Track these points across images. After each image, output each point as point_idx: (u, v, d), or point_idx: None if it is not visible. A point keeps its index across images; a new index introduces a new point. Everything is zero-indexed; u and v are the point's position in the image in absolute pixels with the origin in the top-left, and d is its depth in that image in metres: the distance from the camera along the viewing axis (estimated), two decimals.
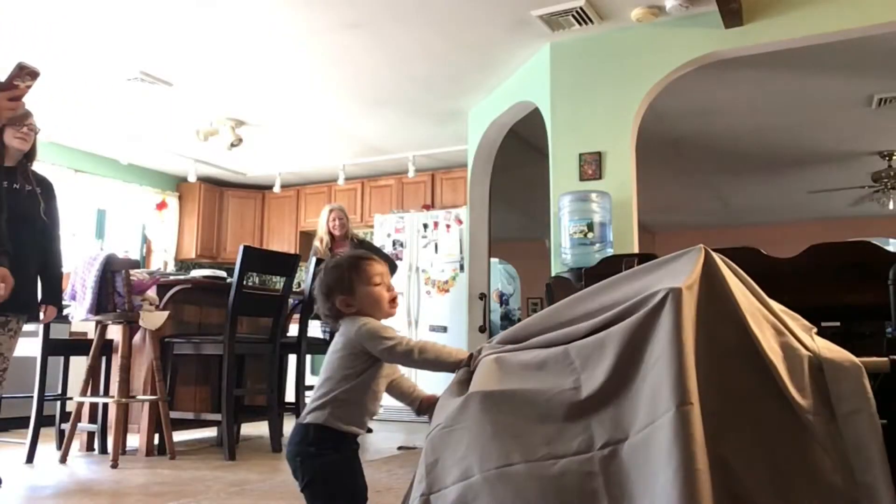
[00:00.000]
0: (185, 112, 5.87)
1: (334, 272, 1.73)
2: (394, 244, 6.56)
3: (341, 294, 1.69)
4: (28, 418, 3.88)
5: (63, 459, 3.77)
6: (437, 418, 1.45)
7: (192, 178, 7.33)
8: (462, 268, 6.15)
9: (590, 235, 3.92)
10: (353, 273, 1.70)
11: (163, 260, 7.53)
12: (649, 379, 1.19)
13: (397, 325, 6.36)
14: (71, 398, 4.05)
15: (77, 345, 4.29)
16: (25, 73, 2.31)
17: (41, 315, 3.36)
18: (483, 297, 5.70)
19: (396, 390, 1.74)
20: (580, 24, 4.26)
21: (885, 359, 1.41)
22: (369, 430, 5.26)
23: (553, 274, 4.12)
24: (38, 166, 3.41)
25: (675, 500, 1.07)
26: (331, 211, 5.41)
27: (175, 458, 3.81)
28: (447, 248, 6.32)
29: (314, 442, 1.59)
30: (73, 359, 4.28)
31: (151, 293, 4.02)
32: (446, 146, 6.66)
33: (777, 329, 1.30)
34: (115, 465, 3.55)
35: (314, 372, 6.09)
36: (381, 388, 1.67)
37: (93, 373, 3.97)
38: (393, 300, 1.73)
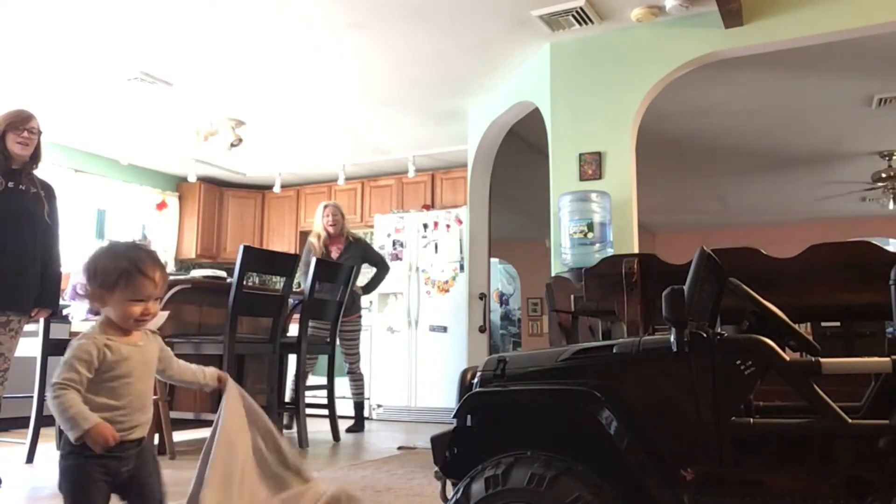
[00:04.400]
0: (185, 112, 5.87)
1: (112, 261, 1.69)
2: (394, 244, 6.56)
3: (100, 287, 1.66)
4: (28, 418, 3.88)
5: None
6: None
7: (192, 178, 7.33)
8: (462, 268, 6.15)
9: (590, 235, 3.92)
10: (125, 279, 1.66)
11: (163, 260, 7.52)
12: None
13: (398, 326, 6.37)
14: None
15: None
16: None
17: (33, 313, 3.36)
18: (483, 297, 5.70)
19: (181, 380, 1.82)
20: (580, 24, 4.25)
21: (888, 359, 1.41)
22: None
23: (553, 274, 4.12)
24: (37, 167, 3.41)
25: None
26: (325, 207, 5.40)
27: (175, 458, 3.81)
28: (447, 248, 6.31)
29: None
30: None
31: None
32: (446, 146, 6.65)
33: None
34: None
35: (314, 372, 6.08)
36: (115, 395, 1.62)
37: None
38: (140, 320, 1.69)
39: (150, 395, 1.71)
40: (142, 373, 1.68)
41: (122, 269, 1.67)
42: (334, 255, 5.30)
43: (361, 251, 5.41)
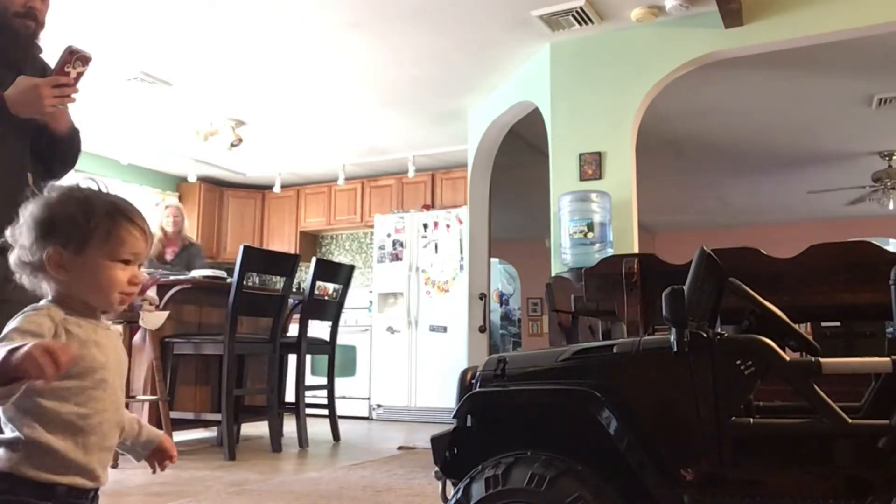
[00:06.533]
0: (185, 112, 5.87)
1: (77, 205, 1.11)
2: (394, 244, 6.56)
3: (63, 244, 1.09)
4: None
5: None
6: None
7: (192, 178, 7.33)
8: (462, 268, 6.15)
9: (590, 235, 3.92)
10: (103, 225, 1.11)
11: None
12: None
13: (398, 326, 6.37)
14: None
15: None
16: (76, 59, 1.95)
17: None
18: (483, 297, 5.70)
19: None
20: (580, 24, 4.25)
21: (888, 359, 1.41)
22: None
23: (553, 274, 4.12)
24: None
25: None
26: (166, 207, 5.40)
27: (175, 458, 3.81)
28: (447, 248, 6.31)
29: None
30: None
31: (151, 293, 4.01)
32: (446, 146, 6.65)
33: None
34: (114, 465, 3.55)
35: (314, 372, 6.08)
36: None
37: None
38: (127, 293, 1.14)
39: (123, 409, 1.17)
40: (117, 369, 1.14)
41: (97, 214, 1.11)
42: (168, 256, 5.26)
43: (188, 257, 5.29)
